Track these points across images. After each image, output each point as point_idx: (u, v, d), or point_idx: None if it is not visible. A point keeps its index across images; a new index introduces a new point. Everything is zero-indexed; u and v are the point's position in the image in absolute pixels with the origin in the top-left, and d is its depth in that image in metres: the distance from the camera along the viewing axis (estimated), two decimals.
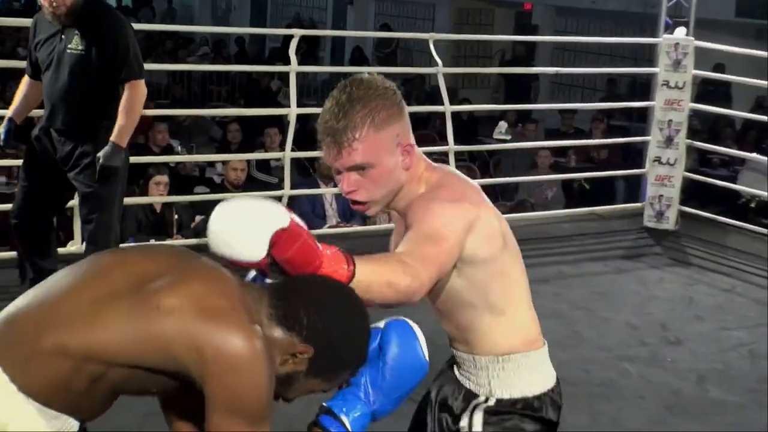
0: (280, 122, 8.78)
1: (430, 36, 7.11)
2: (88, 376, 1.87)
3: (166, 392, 2.03)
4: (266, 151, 8.64)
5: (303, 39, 6.98)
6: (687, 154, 7.61)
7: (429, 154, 8.63)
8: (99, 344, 1.84)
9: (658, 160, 7.42)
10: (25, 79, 4.91)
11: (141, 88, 4.69)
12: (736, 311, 6.11)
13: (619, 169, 9.00)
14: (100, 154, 4.57)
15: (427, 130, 11.39)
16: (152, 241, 6.25)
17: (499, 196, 8.66)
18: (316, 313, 1.91)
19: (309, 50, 17.68)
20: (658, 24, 8.00)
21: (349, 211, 7.61)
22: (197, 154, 9.27)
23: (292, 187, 6.62)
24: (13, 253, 5.34)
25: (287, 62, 6.47)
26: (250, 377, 1.81)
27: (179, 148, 9.04)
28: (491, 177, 9.02)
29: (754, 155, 8.51)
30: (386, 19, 20.27)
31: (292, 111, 6.46)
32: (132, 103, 4.65)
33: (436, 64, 6.90)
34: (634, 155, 9.21)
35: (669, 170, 7.30)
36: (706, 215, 7.40)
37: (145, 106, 5.01)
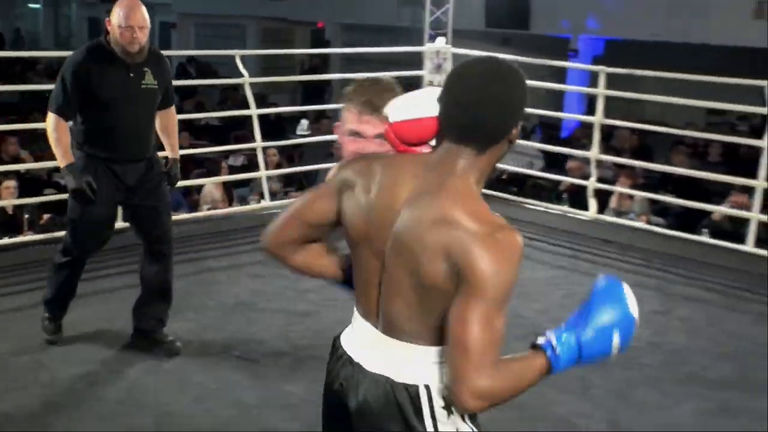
0: None
1: (236, 53, 6.91)
2: None
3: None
4: None
5: None
6: None
7: (242, 151, 8.18)
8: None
9: None
10: (61, 122, 3.98)
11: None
12: None
13: None
14: (172, 170, 4.26)
15: (245, 130, 11.22)
16: (6, 239, 5.85)
17: (303, 181, 8.55)
18: (496, 115, 1.78)
19: None
20: (423, 35, 8.07)
21: None
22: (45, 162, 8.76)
23: None
24: None
25: None
26: (508, 275, 1.70)
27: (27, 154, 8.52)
28: (297, 166, 8.92)
29: None
30: (204, 39, 19.87)
31: None
32: (176, 123, 4.36)
33: (243, 76, 6.74)
34: None
35: None
36: None
37: None
